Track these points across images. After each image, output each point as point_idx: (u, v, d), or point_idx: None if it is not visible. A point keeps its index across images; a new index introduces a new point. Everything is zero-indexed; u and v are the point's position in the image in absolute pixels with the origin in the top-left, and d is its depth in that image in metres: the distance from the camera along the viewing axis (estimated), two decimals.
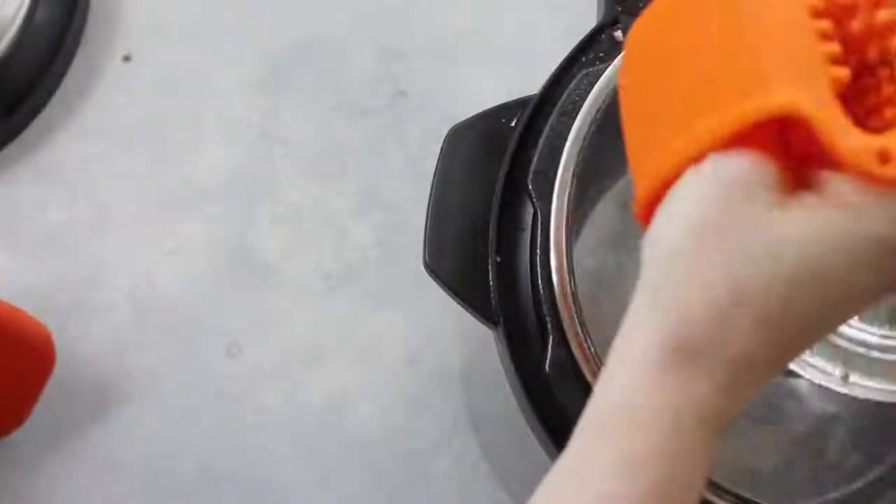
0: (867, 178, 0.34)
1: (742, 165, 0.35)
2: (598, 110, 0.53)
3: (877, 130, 0.35)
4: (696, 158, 0.36)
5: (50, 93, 0.73)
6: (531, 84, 0.56)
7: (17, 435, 0.64)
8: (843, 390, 0.53)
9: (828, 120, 0.34)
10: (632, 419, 0.35)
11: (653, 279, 0.36)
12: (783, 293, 0.34)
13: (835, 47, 0.35)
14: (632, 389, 0.35)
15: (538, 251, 0.51)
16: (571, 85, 0.54)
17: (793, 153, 0.36)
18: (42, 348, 0.62)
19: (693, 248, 0.35)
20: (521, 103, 0.56)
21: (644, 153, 0.39)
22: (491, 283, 0.53)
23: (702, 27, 0.38)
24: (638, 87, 0.40)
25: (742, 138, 0.35)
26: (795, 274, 0.34)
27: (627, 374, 0.36)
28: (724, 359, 0.35)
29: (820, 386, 0.54)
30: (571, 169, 0.52)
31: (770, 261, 0.34)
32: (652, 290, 0.36)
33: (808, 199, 0.35)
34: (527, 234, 0.53)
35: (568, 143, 0.52)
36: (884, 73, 0.36)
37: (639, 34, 0.40)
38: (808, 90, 0.34)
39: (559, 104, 0.54)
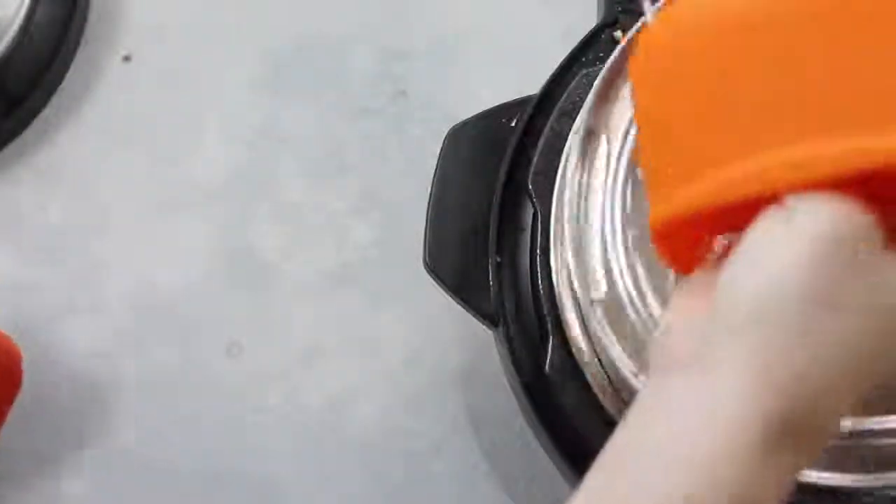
0: None
1: (847, 212, 0.32)
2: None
3: None
4: (772, 196, 0.33)
5: (50, 93, 0.73)
6: (531, 84, 0.56)
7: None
8: None
9: None
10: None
11: (748, 341, 0.32)
12: (886, 347, 0.32)
13: None
14: (714, 470, 0.31)
15: (538, 251, 0.51)
16: (571, 85, 0.54)
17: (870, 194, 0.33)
18: (9, 366, 0.61)
19: (802, 305, 0.31)
20: (521, 103, 0.56)
21: (675, 168, 0.35)
22: (491, 283, 0.53)
23: (773, 46, 0.34)
24: (668, 92, 0.36)
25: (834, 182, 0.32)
26: None
27: (709, 453, 0.31)
28: (817, 427, 0.32)
29: None
30: (571, 169, 0.51)
31: (889, 314, 0.32)
32: (751, 356, 0.31)
33: None
34: (527, 234, 0.53)
35: (568, 143, 0.52)
36: None
37: (671, 31, 0.37)
38: None
39: (559, 104, 0.54)
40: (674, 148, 0.36)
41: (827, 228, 0.32)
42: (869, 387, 0.33)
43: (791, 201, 0.32)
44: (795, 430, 0.32)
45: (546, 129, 0.53)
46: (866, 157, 0.32)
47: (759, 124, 0.34)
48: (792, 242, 0.32)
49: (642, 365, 0.46)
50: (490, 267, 0.53)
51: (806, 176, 0.32)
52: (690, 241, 0.36)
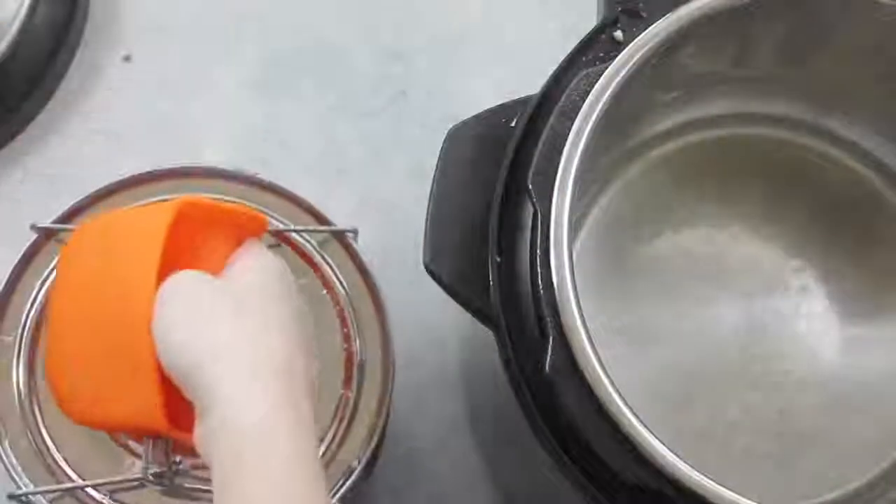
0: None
1: (181, 280, 0.44)
2: (598, 110, 0.53)
3: None
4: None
5: (50, 93, 0.73)
6: (531, 84, 0.56)
7: None
8: None
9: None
10: None
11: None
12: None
13: None
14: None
15: (538, 251, 0.51)
16: (571, 85, 0.54)
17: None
18: None
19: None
20: (521, 103, 0.56)
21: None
22: (491, 283, 0.53)
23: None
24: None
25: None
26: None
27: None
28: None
29: None
30: (571, 169, 0.51)
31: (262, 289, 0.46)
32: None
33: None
34: (527, 234, 0.53)
35: (568, 143, 0.52)
36: None
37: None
38: None
39: (559, 104, 0.54)
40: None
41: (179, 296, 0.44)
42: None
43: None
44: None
45: (546, 129, 0.53)
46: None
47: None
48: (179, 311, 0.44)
49: None
50: (490, 267, 0.53)
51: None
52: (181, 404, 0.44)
